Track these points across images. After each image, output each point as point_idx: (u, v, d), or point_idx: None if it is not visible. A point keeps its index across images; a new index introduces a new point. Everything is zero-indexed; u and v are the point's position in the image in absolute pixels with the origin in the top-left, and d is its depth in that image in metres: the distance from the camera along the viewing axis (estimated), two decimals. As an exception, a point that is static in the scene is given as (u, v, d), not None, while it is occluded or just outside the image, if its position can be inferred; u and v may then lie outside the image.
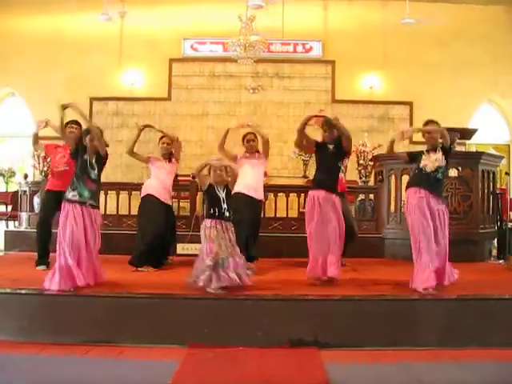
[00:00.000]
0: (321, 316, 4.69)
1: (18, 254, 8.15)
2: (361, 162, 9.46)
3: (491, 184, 8.13)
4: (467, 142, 10.43)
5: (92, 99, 12.54)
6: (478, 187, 7.72)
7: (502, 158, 8.84)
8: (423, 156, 5.39)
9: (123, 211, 8.75)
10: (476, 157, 7.90)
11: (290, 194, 8.71)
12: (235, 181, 5.46)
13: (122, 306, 4.77)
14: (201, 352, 4.27)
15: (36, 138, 6.71)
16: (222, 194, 5.21)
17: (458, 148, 8.35)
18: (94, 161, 5.35)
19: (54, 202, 6.32)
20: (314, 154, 6.05)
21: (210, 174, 5.29)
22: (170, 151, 7.03)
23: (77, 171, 5.35)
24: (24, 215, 9.13)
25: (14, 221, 9.99)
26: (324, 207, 5.51)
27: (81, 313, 4.71)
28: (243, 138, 6.92)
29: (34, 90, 12.40)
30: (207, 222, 5.15)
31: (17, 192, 9.97)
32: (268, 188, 8.78)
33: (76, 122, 6.45)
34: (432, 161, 5.29)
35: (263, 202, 7.28)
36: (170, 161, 6.99)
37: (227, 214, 5.18)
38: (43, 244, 6.58)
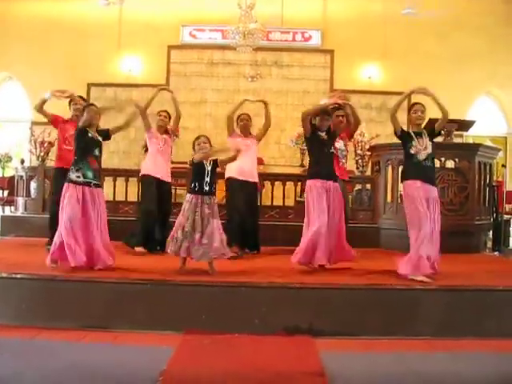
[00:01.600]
0: (316, 304, 4.71)
1: (14, 239, 8.14)
2: (358, 151, 9.46)
3: (488, 176, 8.15)
4: (464, 133, 10.46)
5: (90, 85, 12.50)
6: (475, 179, 7.73)
7: (499, 150, 8.85)
8: (413, 141, 5.39)
9: (120, 197, 8.73)
10: (473, 149, 7.90)
11: (287, 183, 8.72)
12: (228, 161, 5.64)
13: (119, 291, 4.77)
14: (196, 338, 4.29)
15: (42, 104, 6.57)
16: (208, 167, 5.28)
17: (456, 140, 8.37)
18: (99, 139, 5.44)
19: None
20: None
21: (193, 149, 5.44)
22: (167, 125, 7.01)
23: (79, 150, 5.38)
24: (20, 200, 9.12)
25: (11, 206, 9.98)
26: (331, 196, 5.56)
27: (77, 298, 4.72)
28: (238, 117, 6.98)
29: (32, 74, 12.34)
30: (187, 196, 5.31)
31: (13, 177, 9.95)
32: (265, 176, 8.81)
33: (82, 98, 6.45)
34: (423, 148, 5.32)
35: (259, 186, 7.26)
36: (166, 135, 6.97)
37: (207, 188, 5.24)
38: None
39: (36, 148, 9.62)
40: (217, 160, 5.39)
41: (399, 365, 3.87)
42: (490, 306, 4.77)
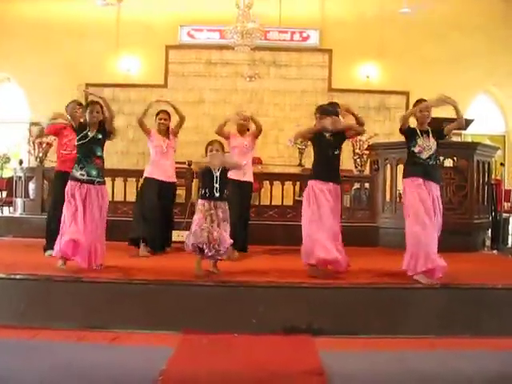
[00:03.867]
0: (315, 303, 4.71)
1: (13, 240, 8.14)
2: (356, 150, 9.46)
3: (486, 174, 8.15)
4: (463, 132, 10.46)
5: (88, 85, 12.43)
6: (473, 177, 7.73)
7: (498, 148, 8.86)
8: (418, 138, 5.36)
9: (118, 198, 8.73)
10: (472, 147, 7.90)
11: (286, 182, 8.72)
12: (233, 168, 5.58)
13: (117, 291, 4.77)
14: (195, 338, 4.28)
15: (42, 133, 6.57)
16: (216, 173, 5.24)
17: (454, 138, 8.38)
18: (100, 136, 5.40)
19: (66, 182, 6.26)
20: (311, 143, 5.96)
21: (206, 153, 5.35)
22: (168, 127, 6.98)
23: (82, 150, 5.38)
24: (19, 201, 9.11)
25: (9, 207, 9.97)
26: (331, 197, 5.51)
27: (76, 298, 4.72)
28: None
29: (30, 75, 12.36)
30: (199, 202, 5.30)
31: (12, 178, 9.94)
32: (263, 176, 8.82)
33: (80, 104, 6.41)
34: (427, 147, 5.29)
35: (253, 185, 7.21)
36: (168, 137, 6.92)
37: (217, 194, 5.21)
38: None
39: (34, 149, 9.61)
40: (226, 169, 5.36)
41: (399, 363, 3.87)
42: (490, 305, 4.77)
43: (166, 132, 6.91)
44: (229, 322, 4.55)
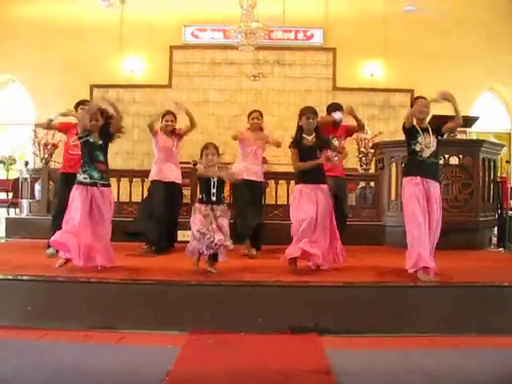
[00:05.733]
0: (321, 302, 4.70)
1: (19, 241, 8.17)
2: (361, 149, 9.46)
3: (492, 172, 8.13)
4: (468, 129, 10.43)
5: (92, 86, 12.52)
6: (479, 175, 7.72)
7: (503, 146, 8.84)
8: (419, 136, 5.35)
9: (124, 199, 8.75)
10: (477, 145, 7.89)
11: (291, 182, 8.69)
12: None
13: (124, 291, 4.78)
14: (202, 338, 4.29)
15: (48, 124, 6.62)
16: (213, 179, 5.31)
17: (459, 136, 8.36)
18: (100, 142, 5.44)
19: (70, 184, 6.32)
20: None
21: (201, 157, 5.44)
22: (174, 128, 7.01)
23: (84, 155, 5.45)
24: (25, 202, 9.15)
25: (15, 208, 10.00)
26: (322, 198, 5.53)
27: (83, 299, 4.73)
28: (249, 115, 7.00)
29: (35, 76, 12.40)
30: (196, 205, 5.37)
31: (18, 179, 9.97)
32: (269, 175, 8.81)
33: (87, 103, 6.42)
34: (428, 146, 5.28)
35: (265, 184, 7.26)
36: (172, 139, 6.98)
37: (214, 198, 5.29)
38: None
39: (40, 150, 9.65)
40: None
41: (405, 362, 3.87)
42: (495, 303, 4.75)
43: (171, 133, 6.94)
44: (235, 322, 4.55)
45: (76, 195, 5.33)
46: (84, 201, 5.29)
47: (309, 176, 5.56)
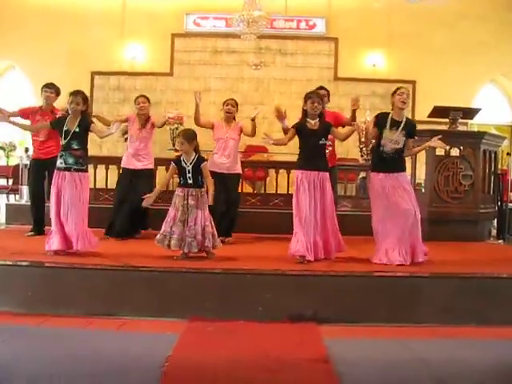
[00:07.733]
0: (321, 292, 4.72)
1: (19, 227, 8.14)
2: (362, 139, 9.42)
3: (492, 164, 8.13)
4: (469, 121, 10.41)
5: (93, 73, 12.48)
6: (480, 167, 7.71)
7: (504, 138, 8.82)
8: (386, 131, 5.36)
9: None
10: (478, 137, 7.87)
11: (292, 171, 8.69)
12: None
13: (124, 278, 4.79)
14: (201, 325, 4.30)
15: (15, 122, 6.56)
16: (188, 166, 5.45)
17: (461, 127, 8.34)
18: (77, 130, 5.50)
19: (41, 170, 6.68)
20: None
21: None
22: (148, 114, 7.00)
23: (62, 141, 5.56)
24: (25, 189, 9.13)
25: (15, 194, 10.01)
26: (317, 186, 5.52)
27: (82, 285, 4.74)
28: (224, 103, 6.99)
29: (35, 63, 12.31)
30: (176, 190, 5.55)
31: (18, 166, 9.98)
32: (269, 164, 8.81)
33: (51, 86, 6.54)
34: (392, 142, 5.30)
35: (240, 174, 7.22)
36: (144, 126, 6.95)
37: (191, 181, 5.44)
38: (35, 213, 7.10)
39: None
40: (200, 162, 5.51)
41: (403, 351, 3.88)
42: (494, 294, 4.77)
43: (145, 119, 6.98)
44: (235, 310, 4.57)
45: (52, 181, 5.52)
46: (57, 186, 5.46)
47: (306, 161, 5.55)
